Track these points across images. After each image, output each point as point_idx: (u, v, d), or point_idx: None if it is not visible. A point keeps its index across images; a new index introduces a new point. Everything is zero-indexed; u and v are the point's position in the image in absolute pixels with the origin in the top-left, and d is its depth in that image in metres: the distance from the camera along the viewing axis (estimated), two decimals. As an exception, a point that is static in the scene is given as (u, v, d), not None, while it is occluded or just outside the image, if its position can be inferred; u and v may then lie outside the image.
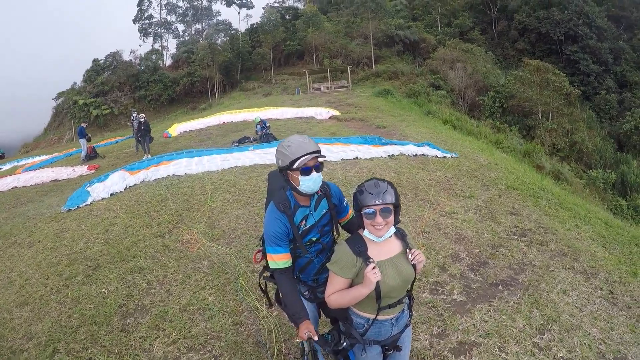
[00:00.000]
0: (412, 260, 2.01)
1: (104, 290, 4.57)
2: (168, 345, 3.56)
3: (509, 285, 4.05)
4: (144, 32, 54.78)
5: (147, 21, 54.97)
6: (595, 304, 3.72)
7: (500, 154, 12.33)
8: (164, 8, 55.71)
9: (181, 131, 19.40)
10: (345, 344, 2.10)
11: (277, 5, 52.19)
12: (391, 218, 1.97)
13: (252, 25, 51.81)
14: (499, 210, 5.97)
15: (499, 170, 8.29)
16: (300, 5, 54.16)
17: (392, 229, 2.02)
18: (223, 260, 4.97)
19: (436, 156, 9.31)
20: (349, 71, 33.48)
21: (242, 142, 13.36)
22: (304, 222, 2.24)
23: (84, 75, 48.39)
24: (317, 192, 2.26)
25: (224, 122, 19.69)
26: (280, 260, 2.20)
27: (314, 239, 2.29)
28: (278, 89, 36.81)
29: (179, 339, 3.62)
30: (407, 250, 2.05)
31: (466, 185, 7.11)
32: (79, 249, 5.76)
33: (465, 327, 3.44)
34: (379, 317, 2.05)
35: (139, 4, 54.37)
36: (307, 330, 2.05)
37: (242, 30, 52.34)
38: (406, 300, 2.18)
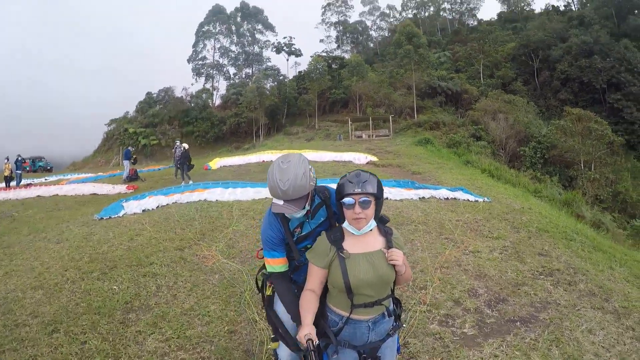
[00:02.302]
0: (388, 259, 1.89)
1: (115, 287, 4.69)
2: (161, 342, 3.56)
3: (528, 322, 3.74)
4: (197, 72, 58.44)
5: (200, 62, 58.86)
6: (625, 345, 3.35)
7: (536, 201, 11.78)
8: (217, 51, 59.70)
9: (221, 165, 20.07)
10: (318, 341, 1.95)
11: (324, 54, 54.36)
12: (371, 210, 1.89)
13: (299, 72, 53.96)
14: (526, 251, 5.63)
15: (532, 214, 7.88)
16: (346, 55, 56.32)
17: (373, 223, 1.94)
18: (234, 275, 4.98)
19: (468, 200, 9.08)
20: (390, 120, 33.82)
21: (278, 179, 13.56)
22: (299, 229, 2.20)
23: (136, 106, 52.17)
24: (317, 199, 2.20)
25: (263, 160, 20.17)
26: (276, 264, 2.16)
27: (309, 245, 2.23)
28: (321, 134, 37.51)
29: (173, 337, 3.60)
30: (387, 249, 1.94)
31: (495, 227, 6.80)
32: (102, 250, 5.98)
33: (470, 361, 3.15)
34: (353, 316, 1.92)
35: (194, 45, 58.71)
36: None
37: (290, 76, 54.76)
38: (389, 304, 2.02)
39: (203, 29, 58.62)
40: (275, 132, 44.30)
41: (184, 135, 45.15)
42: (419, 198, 9.15)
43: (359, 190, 1.84)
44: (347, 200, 1.88)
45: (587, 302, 4.10)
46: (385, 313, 1.99)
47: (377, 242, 1.98)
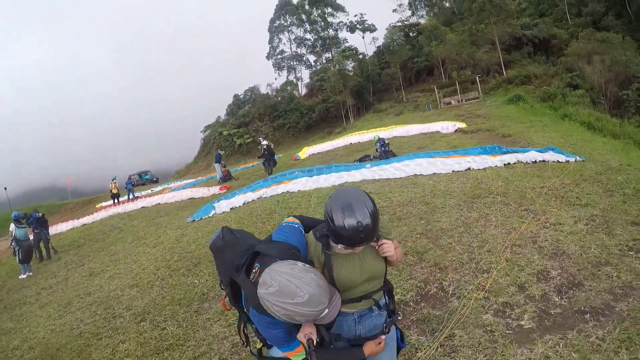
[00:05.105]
0: (379, 252, 1.84)
1: (196, 281, 5.43)
2: (224, 327, 4.11)
3: (600, 314, 3.15)
4: (278, 67, 59.53)
5: (279, 56, 59.75)
6: None
7: (639, 154, 10.12)
8: (294, 42, 59.88)
9: (310, 154, 20.71)
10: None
11: (399, 24, 51.58)
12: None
13: (378, 47, 52.07)
14: (617, 219, 4.88)
15: (631, 172, 6.80)
16: (422, 21, 52.88)
17: None
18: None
19: (558, 161, 8.25)
20: (478, 81, 31.40)
21: (363, 160, 13.73)
22: None
23: (226, 109, 55.69)
24: None
25: (350, 143, 20.42)
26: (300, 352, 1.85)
27: None
28: (410, 107, 36.18)
29: (234, 323, 4.07)
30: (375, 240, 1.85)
31: (584, 192, 6.03)
32: (190, 249, 6.86)
33: (517, 360, 2.77)
34: (341, 309, 1.86)
35: (270, 42, 59.70)
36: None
37: (370, 53, 53.18)
38: (380, 297, 1.96)
39: (275, 24, 59.44)
40: (364, 111, 43.52)
41: (276, 129, 47.14)
42: (504, 164, 8.63)
43: (365, 244, 1.73)
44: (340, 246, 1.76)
45: (683, 289, 3.35)
46: (374, 307, 1.95)
47: None
